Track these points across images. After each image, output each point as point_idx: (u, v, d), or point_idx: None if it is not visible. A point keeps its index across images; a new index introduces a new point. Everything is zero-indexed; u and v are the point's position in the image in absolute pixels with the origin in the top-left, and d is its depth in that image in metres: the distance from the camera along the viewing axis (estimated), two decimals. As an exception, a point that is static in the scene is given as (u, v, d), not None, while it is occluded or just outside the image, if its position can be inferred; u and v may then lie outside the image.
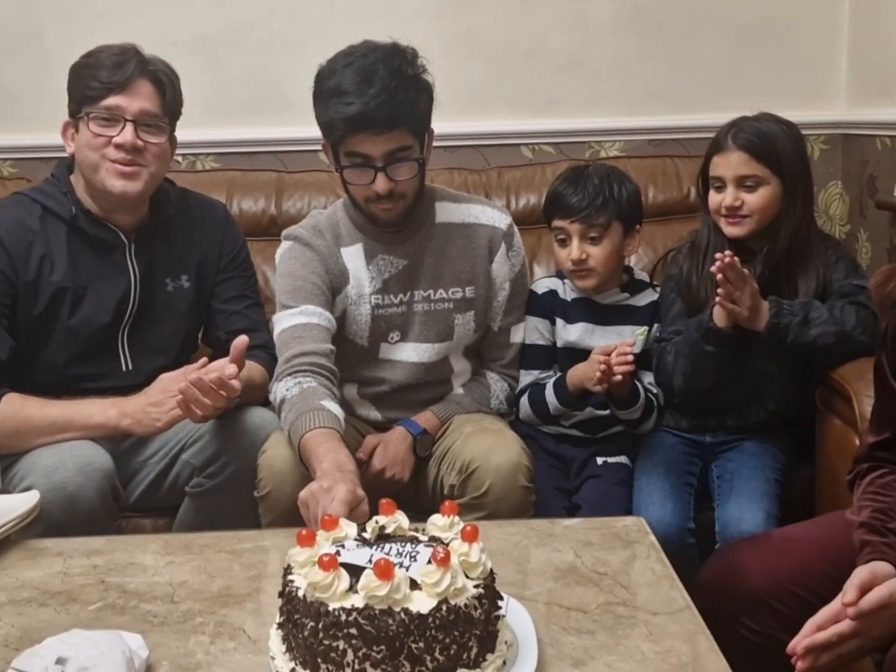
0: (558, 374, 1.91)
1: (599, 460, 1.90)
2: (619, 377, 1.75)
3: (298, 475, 1.62)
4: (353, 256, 1.86)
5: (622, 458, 1.91)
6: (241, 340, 1.66)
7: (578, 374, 1.85)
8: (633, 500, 1.80)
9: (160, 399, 1.71)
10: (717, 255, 1.70)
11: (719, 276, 1.69)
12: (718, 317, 1.77)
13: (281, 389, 1.71)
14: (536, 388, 1.93)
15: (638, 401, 1.86)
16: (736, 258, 1.69)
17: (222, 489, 1.75)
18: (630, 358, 1.76)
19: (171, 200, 1.93)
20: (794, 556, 1.40)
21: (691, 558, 1.72)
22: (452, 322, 1.89)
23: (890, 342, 1.40)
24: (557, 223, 1.92)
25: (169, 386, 1.70)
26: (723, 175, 1.86)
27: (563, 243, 1.92)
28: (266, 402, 1.86)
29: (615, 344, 1.79)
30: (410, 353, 1.88)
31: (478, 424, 1.81)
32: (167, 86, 1.83)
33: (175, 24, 2.52)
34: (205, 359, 1.72)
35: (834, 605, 1.19)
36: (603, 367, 1.75)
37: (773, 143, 1.83)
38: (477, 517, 1.65)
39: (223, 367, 1.63)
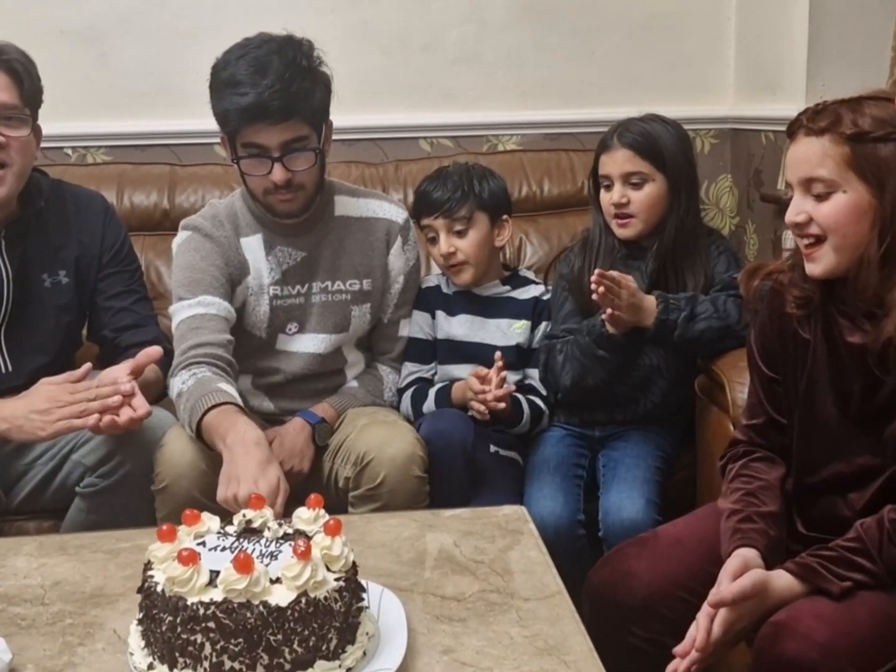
0: (442, 384, 1.93)
1: (492, 448, 1.90)
2: (501, 405, 1.78)
3: (197, 471, 1.62)
4: (252, 247, 1.85)
5: (513, 454, 1.93)
6: (156, 351, 1.65)
7: (459, 394, 1.87)
8: (525, 494, 1.82)
9: (46, 408, 1.62)
10: (593, 281, 1.72)
11: (595, 296, 1.71)
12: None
13: (177, 384, 1.69)
14: (418, 393, 1.94)
15: (523, 419, 1.90)
16: (604, 271, 1.72)
17: (116, 488, 1.71)
18: (502, 392, 1.77)
19: (42, 192, 1.86)
20: (681, 560, 1.41)
21: (582, 549, 1.76)
22: (349, 314, 1.90)
23: (758, 334, 1.46)
24: (424, 221, 1.96)
25: (57, 395, 1.63)
26: (610, 173, 1.90)
27: (434, 241, 1.96)
28: (159, 399, 1.83)
29: (487, 371, 1.80)
30: (307, 343, 1.88)
31: (371, 417, 1.82)
32: (24, 75, 1.74)
33: (62, 12, 2.45)
34: (88, 364, 1.68)
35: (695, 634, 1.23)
36: (481, 406, 1.78)
37: (657, 141, 1.88)
38: (372, 508, 1.67)
39: (116, 379, 1.60)
